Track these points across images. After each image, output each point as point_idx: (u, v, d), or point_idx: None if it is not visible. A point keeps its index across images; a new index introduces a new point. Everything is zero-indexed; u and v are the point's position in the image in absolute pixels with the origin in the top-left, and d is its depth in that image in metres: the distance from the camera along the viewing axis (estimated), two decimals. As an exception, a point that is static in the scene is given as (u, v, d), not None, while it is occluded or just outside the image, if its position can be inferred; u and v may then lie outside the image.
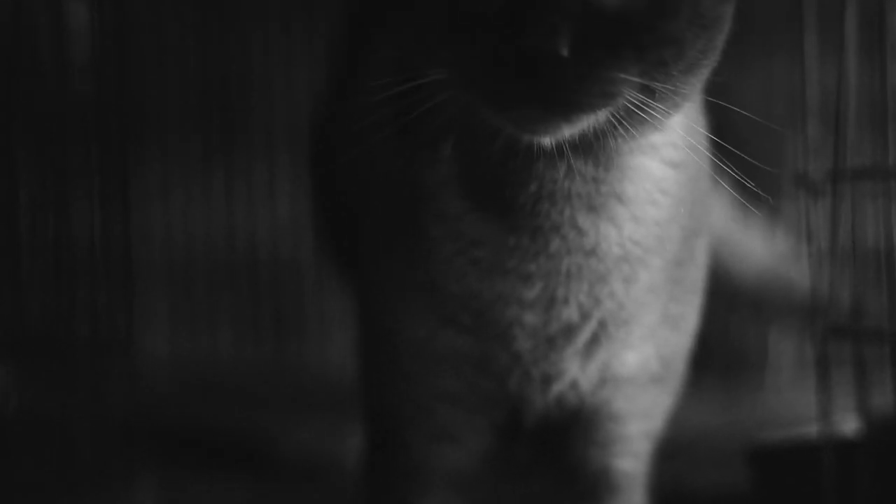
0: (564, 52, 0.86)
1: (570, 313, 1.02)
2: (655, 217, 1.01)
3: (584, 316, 1.02)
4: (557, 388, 1.06)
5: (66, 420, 1.48)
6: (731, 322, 2.06)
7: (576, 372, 1.05)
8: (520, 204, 0.98)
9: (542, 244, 1.00)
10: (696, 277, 1.10)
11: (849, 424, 1.20)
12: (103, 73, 1.51)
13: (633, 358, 1.06)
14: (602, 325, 1.03)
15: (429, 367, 1.08)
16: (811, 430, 1.23)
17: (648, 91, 0.91)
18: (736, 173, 1.03)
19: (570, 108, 0.89)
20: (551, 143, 0.93)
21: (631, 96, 0.90)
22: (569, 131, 0.91)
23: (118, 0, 1.61)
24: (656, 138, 0.99)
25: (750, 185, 1.04)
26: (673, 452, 1.19)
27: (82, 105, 1.49)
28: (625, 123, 0.91)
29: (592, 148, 0.95)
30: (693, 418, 1.74)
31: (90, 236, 1.50)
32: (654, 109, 0.91)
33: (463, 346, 1.06)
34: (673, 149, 1.01)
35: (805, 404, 1.36)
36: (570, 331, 1.03)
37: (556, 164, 0.96)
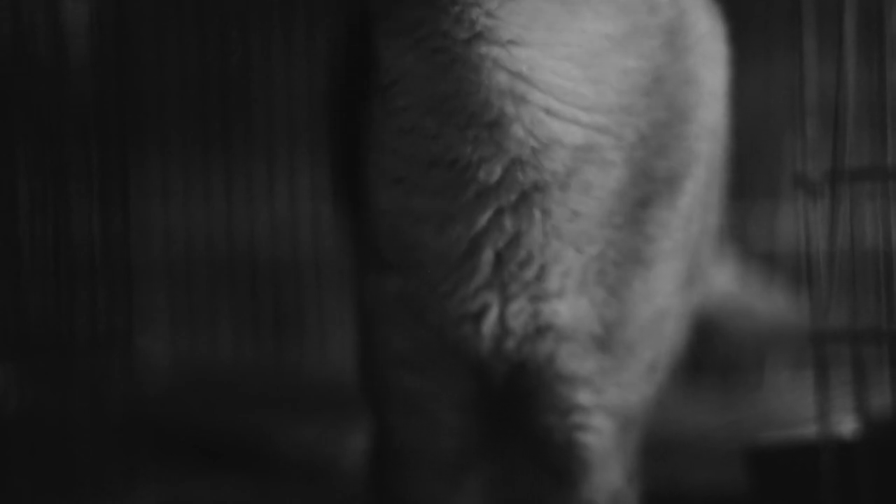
0: None
1: (461, 232, 1.03)
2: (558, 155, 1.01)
3: (476, 243, 1.03)
4: (488, 329, 1.06)
5: (66, 420, 1.48)
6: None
7: (498, 309, 1.06)
8: None
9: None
10: (647, 252, 1.08)
11: (847, 425, 1.20)
12: (102, 73, 1.51)
13: (564, 309, 1.06)
14: (500, 259, 1.04)
15: (382, 326, 1.10)
16: (810, 430, 1.23)
17: None
18: None
19: None
20: None
21: None
22: None
23: (117, 0, 1.61)
24: None
25: None
26: (672, 452, 1.19)
27: (81, 105, 1.49)
28: None
29: None
30: (692, 418, 1.74)
31: (90, 236, 1.50)
32: None
33: (395, 287, 1.08)
34: None
35: (804, 405, 1.36)
36: (467, 257, 1.04)
37: None
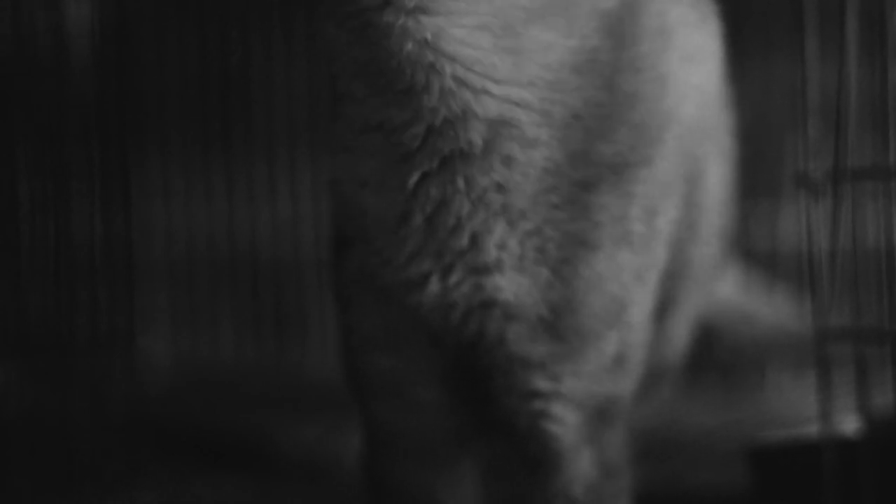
0: None
1: (393, 196, 1.03)
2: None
3: (407, 208, 1.03)
4: (430, 298, 1.06)
5: (66, 420, 1.48)
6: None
7: (438, 279, 1.05)
8: None
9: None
10: (593, 236, 1.06)
11: (849, 424, 1.20)
12: (103, 73, 1.51)
13: (506, 284, 1.05)
14: (431, 225, 1.04)
15: (352, 308, 1.12)
16: (811, 430, 1.23)
17: None
18: None
19: None
20: None
21: None
22: None
23: (118, 0, 1.61)
24: None
25: None
26: (672, 452, 1.19)
27: (82, 105, 1.50)
28: None
29: None
30: (692, 418, 1.75)
31: (90, 236, 1.50)
32: None
33: (355, 262, 1.09)
34: None
35: (806, 404, 1.36)
36: (401, 222, 1.04)
37: None
